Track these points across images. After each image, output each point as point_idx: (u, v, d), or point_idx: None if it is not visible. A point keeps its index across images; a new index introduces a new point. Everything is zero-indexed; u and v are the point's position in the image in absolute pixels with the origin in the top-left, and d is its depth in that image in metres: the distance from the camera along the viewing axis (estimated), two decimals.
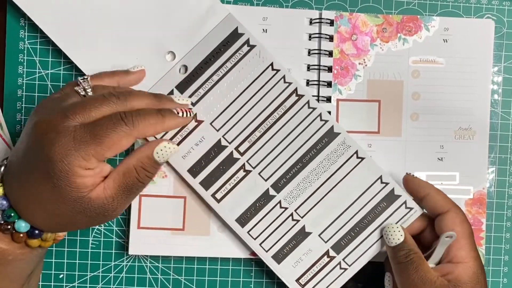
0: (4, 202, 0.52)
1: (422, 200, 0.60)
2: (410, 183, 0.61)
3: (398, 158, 0.65)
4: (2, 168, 0.53)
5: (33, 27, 0.63)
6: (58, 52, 0.63)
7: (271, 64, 0.62)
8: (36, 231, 0.53)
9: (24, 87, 0.64)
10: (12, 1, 0.61)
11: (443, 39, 0.65)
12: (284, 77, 0.62)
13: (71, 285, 0.65)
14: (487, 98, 0.66)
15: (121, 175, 0.53)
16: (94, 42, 0.62)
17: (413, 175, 0.61)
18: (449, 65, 0.65)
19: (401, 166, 0.65)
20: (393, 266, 0.59)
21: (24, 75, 0.64)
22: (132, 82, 0.60)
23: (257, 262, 0.64)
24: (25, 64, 0.64)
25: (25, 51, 0.64)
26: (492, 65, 0.66)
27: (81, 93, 0.54)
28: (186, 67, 0.62)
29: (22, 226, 0.53)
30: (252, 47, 0.62)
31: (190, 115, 0.59)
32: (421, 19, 0.65)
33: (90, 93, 0.54)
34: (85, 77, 0.55)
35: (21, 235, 0.53)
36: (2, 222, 0.53)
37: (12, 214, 0.52)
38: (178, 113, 0.57)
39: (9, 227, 0.53)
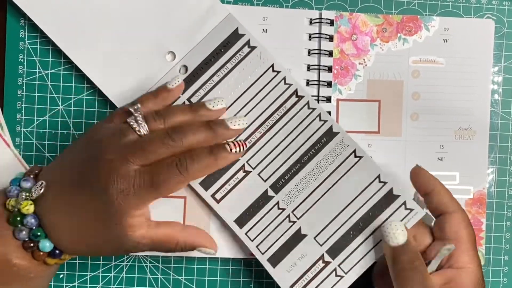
0: (33, 221, 0.53)
1: (427, 195, 0.57)
2: (416, 176, 0.58)
3: (398, 158, 0.65)
4: (41, 189, 0.54)
5: (33, 27, 0.63)
6: (58, 52, 0.63)
7: (272, 66, 0.62)
8: (57, 251, 0.54)
9: (24, 87, 0.64)
10: (12, 1, 0.61)
11: (443, 39, 0.65)
12: (284, 78, 0.62)
13: (71, 285, 0.65)
14: (487, 98, 0.66)
15: (161, 237, 0.55)
16: (94, 42, 0.62)
17: (421, 168, 0.58)
18: (449, 65, 0.65)
19: (401, 166, 0.65)
20: (393, 272, 0.55)
21: (24, 75, 0.64)
22: (175, 97, 0.60)
23: (257, 262, 0.64)
24: (25, 64, 0.64)
25: (25, 51, 0.64)
26: (492, 65, 0.66)
27: (133, 125, 0.54)
28: (186, 68, 0.62)
29: (47, 246, 0.53)
30: (253, 48, 0.62)
31: (243, 149, 0.60)
32: (421, 19, 0.65)
33: (142, 124, 0.54)
34: (136, 106, 0.56)
35: (41, 253, 0.54)
36: (27, 239, 0.53)
37: (39, 234, 0.53)
38: (231, 150, 0.58)
39: (32, 245, 0.53)
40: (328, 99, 0.64)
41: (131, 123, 0.54)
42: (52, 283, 0.64)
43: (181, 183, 0.55)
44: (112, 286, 0.65)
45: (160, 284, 0.65)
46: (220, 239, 0.64)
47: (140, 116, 0.55)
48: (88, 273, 0.65)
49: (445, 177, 0.65)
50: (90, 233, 0.53)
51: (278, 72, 0.62)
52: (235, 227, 0.62)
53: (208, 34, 0.62)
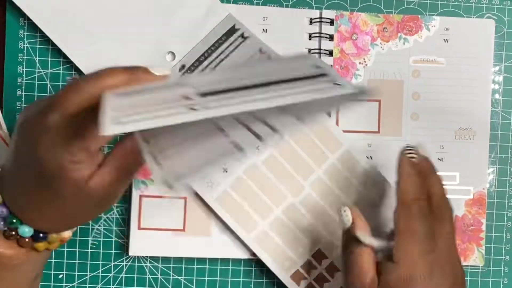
0: (4, 210, 0.52)
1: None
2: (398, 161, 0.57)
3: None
4: None
5: (33, 27, 0.63)
6: (57, 52, 0.63)
7: (260, 49, 0.62)
8: (41, 234, 0.53)
9: (23, 87, 0.64)
10: (12, 0, 0.61)
11: (444, 39, 0.65)
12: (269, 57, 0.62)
13: (71, 285, 0.65)
14: (487, 98, 0.66)
15: (118, 159, 0.50)
16: (93, 42, 0.62)
17: (404, 156, 0.57)
18: (450, 65, 0.65)
19: None
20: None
21: (24, 75, 0.64)
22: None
23: (257, 263, 0.64)
24: (24, 63, 0.64)
25: (25, 51, 0.64)
26: (492, 65, 0.66)
27: None
28: (184, 67, 0.62)
29: (26, 231, 0.52)
30: (246, 38, 0.62)
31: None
32: (421, 18, 0.65)
33: None
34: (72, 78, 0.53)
35: (27, 239, 0.52)
36: (6, 228, 0.52)
37: (14, 220, 0.52)
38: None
39: (13, 233, 0.52)
40: None
41: None
42: (52, 283, 0.64)
43: (78, 90, 0.47)
44: (112, 286, 0.65)
45: (160, 284, 0.65)
46: (222, 240, 0.64)
47: None
48: (88, 273, 0.65)
49: (445, 177, 0.64)
50: (53, 205, 0.50)
51: (265, 53, 0.62)
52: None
53: (208, 34, 0.62)
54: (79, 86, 0.46)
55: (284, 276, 0.63)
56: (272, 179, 0.62)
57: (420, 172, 0.57)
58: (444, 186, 0.57)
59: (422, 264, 0.52)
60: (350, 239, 0.56)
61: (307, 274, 0.63)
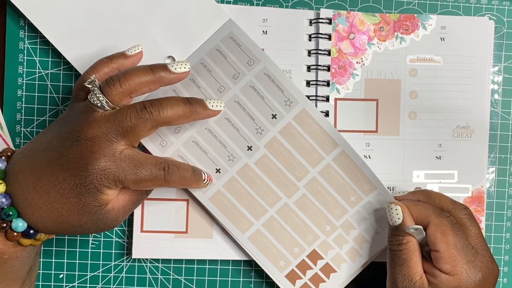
0: (4, 200, 0.52)
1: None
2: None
3: (397, 157, 0.65)
4: (4, 164, 0.54)
5: (33, 28, 0.63)
6: (57, 52, 0.64)
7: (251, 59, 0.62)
8: (32, 231, 0.53)
9: (24, 87, 0.64)
10: (11, 2, 0.62)
11: (440, 38, 0.65)
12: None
13: (71, 285, 0.65)
14: (484, 95, 0.66)
15: (131, 196, 0.56)
16: (93, 45, 0.63)
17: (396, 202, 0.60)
18: (447, 63, 0.65)
19: (400, 165, 0.65)
20: (387, 252, 0.59)
21: (24, 75, 0.64)
22: (132, 65, 0.59)
23: (257, 263, 0.64)
24: (25, 64, 0.64)
25: (25, 51, 0.64)
26: (491, 64, 0.66)
27: (94, 101, 0.54)
28: None
29: (20, 225, 0.53)
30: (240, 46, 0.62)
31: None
32: (418, 17, 0.65)
33: (101, 98, 0.54)
34: (91, 79, 0.55)
35: (15, 234, 0.53)
36: None
37: (11, 213, 0.52)
38: (204, 179, 0.60)
39: (4, 225, 0.52)
40: (327, 99, 0.64)
41: (92, 99, 0.54)
42: (52, 283, 0.65)
43: (158, 185, 0.56)
44: (112, 286, 0.65)
45: (160, 284, 0.65)
46: (224, 242, 0.64)
47: (96, 89, 0.54)
48: (88, 273, 0.65)
49: (443, 176, 0.65)
50: (65, 211, 0.53)
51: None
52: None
53: (208, 39, 0.62)
54: (147, 119, 0.54)
55: (279, 276, 0.63)
56: (265, 179, 0.62)
57: (419, 197, 0.61)
58: (445, 195, 0.60)
59: (472, 273, 0.56)
60: (397, 235, 0.58)
61: (303, 274, 0.63)
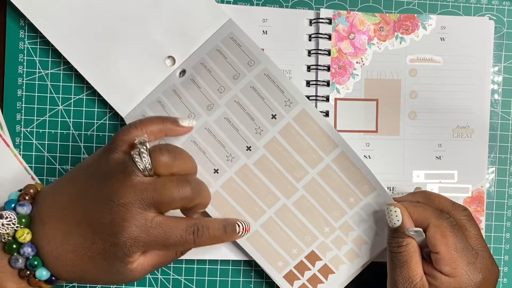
0: (31, 250, 0.52)
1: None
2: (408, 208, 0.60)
3: (397, 157, 0.65)
4: (29, 208, 0.54)
5: (33, 27, 0.63)
6: (57, 52, 0.63)
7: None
8: (54, 278, 0.54)
9: (24, 87, 0.64)
10: (11, 1, 0.62)
11: (440, 38, 0.65)
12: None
13: (71, 285, 0.65)
14: (484, 95, 0.66)
15: (160, 255, 0.56)
16: (93, 45, 0.63)
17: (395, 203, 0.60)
18: (447, 63, 0.65)
19: (400, 165, 0.65)
20: (387, 254, 0.59)
21: (24, 75, 0.64)
22: (180, 134, 0.60)
23: (257, 263, 0.64)
24: (25, 64, 0.64)
25: (25, 51, 0.64)
26: (491, 64, 0.66)
27: (136, 160, 0.53)
28: (185, 72, 0.62)
29: (43, 274, 0.53)
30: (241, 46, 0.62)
31: (247, 233, 0.59)
32: (418, 17, 0.65)
33: (146, 160, 0.53)
34: (142, 139, 0.54)
35: (38, 280, 0.54)
36: (23, 268, 0.53)
37: (37, 263, 0.53)
38: (239, 232, 0.58)
39: (28, 273, 0.53)
40: (327, 99, 0.64)
41: (137, 161, 0.53)
42: None
43: (190, 248, 0.57)
44: (112, 286, 0.65)
45: (160, 284, 0.65)
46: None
47: (146, 153, 0.53)
48: None
49: (443, 176, 0.65)
50: (91, 268, 0.53)
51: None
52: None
53: (208, 39, 0.62)
54: (187, 197, 0.54)
55: (277, 276, 0.63)
56: (264, 180, 0.62)
57: (419, 198, 0.60)
58: (444, 196, 0.60)
59: (472, 275, 0.56)
60: (397, 237, 0.58)
61: (301, 275, 0.63)
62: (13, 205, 0.54)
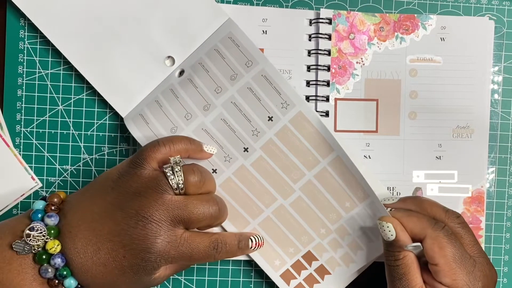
0: (60, 261, 0.53)
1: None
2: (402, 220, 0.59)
3: (397, 157, 0.65)
4: (56, 220, 0.55)
5: (33, 27, 0.63)
6: (57, 52, 0.64)
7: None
8: (79, 286, 0.55)
9: (24, 87, 0.64)
10: (12, 1, 0.62)
11: (440, 38, 0.65)
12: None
13: None
14: (484, 95, 0.66)
15: (180, 265, 0.58)
16: (93, 45, 0.63)
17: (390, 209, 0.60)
18: (447, 63, 0.65)
19: (400, 165, 0.65)
20: (385, 266, 0.59)
21: (24, 75, 0.64)
22: (200, 159, 0.62)
23: (257, 263, 0.64)
24: (25, 64, 0.64)
25: (25, 51, 0.64)
26: (492, 64, 0.66)
27: (170, 177, 0.55)
28: (184, 72, 0.62)
29: (72, 283, 0.54)
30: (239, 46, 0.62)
31: (259, 248, 0.61)
32: (418, 17, 0.65)
33: (180, 178, 0.55)
34: (178, 159, 0.56)
35: None
36: (52, 278, 0.54)
37: (65, 273, 0.53)
38: (251, 247, 0.60)
39: (57, 282, 0.54)
40: (327, 99, 0.64)
41: (171, 180, 0.55)
42: None
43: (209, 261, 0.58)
44: None
45: (160, 284, 0.65)
46: None
47: (181, 173, 0.55)
48: None
49: (443, 176, 0.65)
50: (120, 281, 0.54)
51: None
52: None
53: (207, 39, 0.62)
54: (215, 216, 0.57)
55: (274, 275, 0.63)
56: (261, 180, 0.62)
57: (410, 205, 0.60)
58: (437, 202, 0.60)
59: (472, 284, 0.55)
60: (393, 251, 0.57)
61: (297, 274, 0.63)
62: (39, 215, 0.55)
